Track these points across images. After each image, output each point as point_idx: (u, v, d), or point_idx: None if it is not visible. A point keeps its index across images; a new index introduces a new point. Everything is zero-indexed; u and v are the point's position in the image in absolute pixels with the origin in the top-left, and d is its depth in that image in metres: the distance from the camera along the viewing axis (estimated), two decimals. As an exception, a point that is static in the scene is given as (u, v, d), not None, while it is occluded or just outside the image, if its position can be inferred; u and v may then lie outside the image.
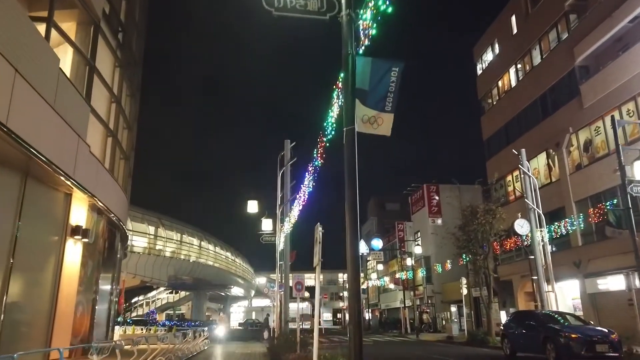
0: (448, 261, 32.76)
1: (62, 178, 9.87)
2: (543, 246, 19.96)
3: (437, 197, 45.60)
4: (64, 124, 9.86)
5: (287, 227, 17.96)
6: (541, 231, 20.19)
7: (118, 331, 23.00)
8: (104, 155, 13.64)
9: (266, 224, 24.09)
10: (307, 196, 11.86)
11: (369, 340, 31.17)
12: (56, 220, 10.61)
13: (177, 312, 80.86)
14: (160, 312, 75.77)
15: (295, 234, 20.73)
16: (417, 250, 40.48)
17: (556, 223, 20.55)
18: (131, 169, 18.16)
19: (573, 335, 13.67)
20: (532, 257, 20.21)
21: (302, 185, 12.04)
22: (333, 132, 7.66)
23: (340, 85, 6.87)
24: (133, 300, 78.37)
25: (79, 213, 11.30)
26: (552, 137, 24.85)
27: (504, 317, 30.13)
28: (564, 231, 19.70)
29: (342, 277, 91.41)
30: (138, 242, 35.63)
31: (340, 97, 6.78)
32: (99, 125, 13.03)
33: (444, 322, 40.12)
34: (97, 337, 13.37)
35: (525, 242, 21.45)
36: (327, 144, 8.06)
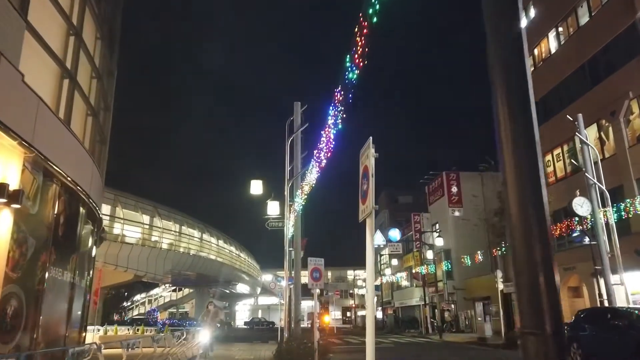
0: (479, 252, 29.20)
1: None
2: (608, 230, 16.50)
3: (457, 186, 42.18)
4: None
5: (299, 204, 14.58)
6: (605, 211, 16.71)
7: (99, 333, 19.73)
8: (58, 101, 10.31)
9: (272, 208, 20.69)
10: (333, 143, 8.38)
11: (387, 341, 28.02)
12: (-37, 172, 7.31)
13: (180, 310, 78.15)
14: (163, 310, 72.93)
15: (305, 223, 17.57)
16: (439, 242, 36.90)
17: (628, 200, 16.98)
18: (105, 133, 14.79)
19: (684, 340, 10.24)
20: (594, 242, 16.76)
21: (325, 126, 8.51)
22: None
23: None
24: (135, 298, 75.62)
25: (6, 167, 7.97)
26: (605, 106, 21.25)
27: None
28: (639, 210, 16.20)
29: (352, 274, 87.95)
30: (130, 232, 32.27)
31: None
32: (46, 57, 9.70)
33: (466, 321, 36.68)
34: (48, 343, 10.03)
35: (587, 225, 17.91)
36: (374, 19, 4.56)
